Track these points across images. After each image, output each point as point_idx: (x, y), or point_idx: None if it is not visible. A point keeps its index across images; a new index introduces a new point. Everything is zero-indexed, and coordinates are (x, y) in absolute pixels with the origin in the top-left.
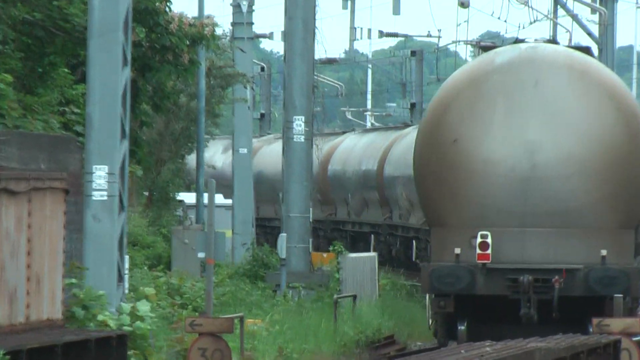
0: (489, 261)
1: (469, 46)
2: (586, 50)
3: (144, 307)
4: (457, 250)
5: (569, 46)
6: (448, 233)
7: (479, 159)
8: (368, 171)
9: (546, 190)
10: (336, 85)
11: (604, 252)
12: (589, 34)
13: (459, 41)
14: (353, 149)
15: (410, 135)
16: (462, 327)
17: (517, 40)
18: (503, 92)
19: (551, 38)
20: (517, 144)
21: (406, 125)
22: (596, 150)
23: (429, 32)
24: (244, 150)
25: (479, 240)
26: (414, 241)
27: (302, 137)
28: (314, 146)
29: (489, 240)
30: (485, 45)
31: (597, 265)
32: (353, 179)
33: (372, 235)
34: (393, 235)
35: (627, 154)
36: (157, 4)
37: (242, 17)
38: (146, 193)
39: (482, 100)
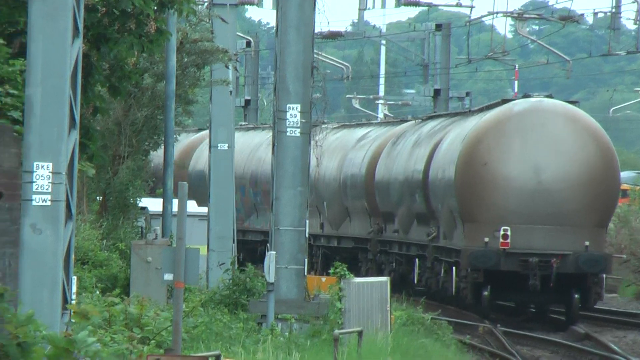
0: (508, 247)
1: (508, 19)
2: (576, 103)
3: (82, 335)
4: (486, 239)
5: (564, 100)
6: (478, 227)
7: (502, 177)
8: (353, 175)
9: (547, 199)
10: (341, 65)
11: (587, 243)
12: None
13: (497, 12)
14: (328, 147)
15: (410, 132)
16: (486, 293)
17: (526, 95)
18: (519, 131)
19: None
20: (528, 166)
21: (402, 121)
22: (582, 171)
23: (458, 0)
24: (223, 146)
25: (501, 232)
26: (416, 260)
27: (297, 130)
28: (312, 142)
29: (509, 233)
30: (505, 99)
31: (583, 252)
32: (330, 184)
33: (359, 253)
34: (386, 253)
35: (602, 174)
36: None
37: None
38: (99, 198)
39: (504, 136)
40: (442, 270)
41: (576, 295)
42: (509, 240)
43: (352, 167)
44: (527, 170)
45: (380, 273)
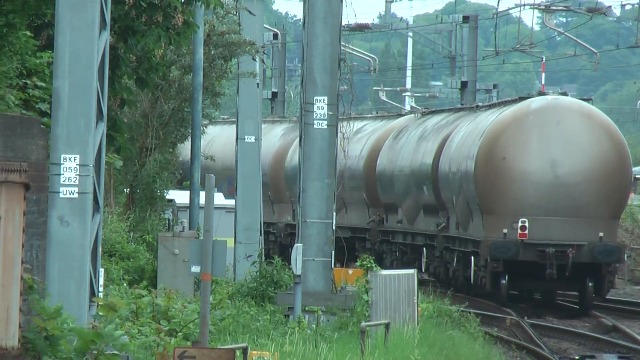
0: (526, 238)
1: (536, 11)
2: (589, 100)
3: (110, 328)
4: (505, 230)
5: (578, 98)
6: (497, 218)
7: (519, 171)
8: (350, 167)
9: (563, 192)
10: (368, 58)
11: (601, 234)
12: None
13: (524, 5)
14: None
15: (412, 126)
16: (504, 281)
17: (541, 93)
18: (536, 127)
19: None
20: (545, 161)
21: (399, 115)
22: (596, 166)
23: None
24: (250, 138)
25: (519, 224)
26: (424, 249)
27: (325, 122)
28: (339, 134)
29: (526, 224)
30: (521, 96)
31: (598, 242)
32: None
33: (356, 242)
34: (388, 243)
35: (616, 169)
36: None
37: None
38: (127, 190)
39: (522, 132)
40: (455, 260)
41: (590, 284)
42: (526, 232)
43: (349, 159)
44: (544, 164)
45: (380, 262)
